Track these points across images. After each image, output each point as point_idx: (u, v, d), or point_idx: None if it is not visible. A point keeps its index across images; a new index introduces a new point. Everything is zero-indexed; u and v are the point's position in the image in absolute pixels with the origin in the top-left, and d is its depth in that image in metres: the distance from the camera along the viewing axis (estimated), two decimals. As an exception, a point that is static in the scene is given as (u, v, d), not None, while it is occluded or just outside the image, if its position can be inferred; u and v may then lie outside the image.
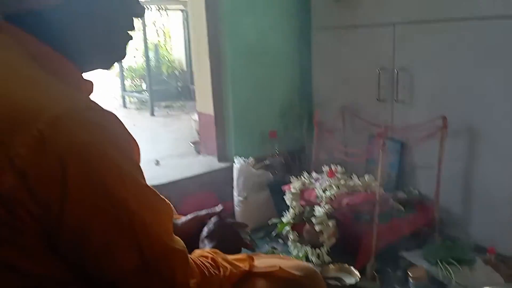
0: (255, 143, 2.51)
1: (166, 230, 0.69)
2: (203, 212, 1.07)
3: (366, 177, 1.95)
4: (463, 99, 1.84)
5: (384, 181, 2.15)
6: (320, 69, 2.54)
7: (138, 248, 0.63)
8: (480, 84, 1.77)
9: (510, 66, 1.66)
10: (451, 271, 1.55)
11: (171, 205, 0.77)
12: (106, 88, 5.58)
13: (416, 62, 1.99)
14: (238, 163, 2.29)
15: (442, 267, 1.58)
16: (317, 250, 1.91)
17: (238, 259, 0.89)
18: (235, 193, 2.29)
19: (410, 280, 1.61)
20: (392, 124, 2.12)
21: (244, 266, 0.88)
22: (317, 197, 1.92)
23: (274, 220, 2.07)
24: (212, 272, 0.78)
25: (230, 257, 0.88)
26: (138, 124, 4.20)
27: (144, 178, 0.67)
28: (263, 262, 0.97)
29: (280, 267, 0.93)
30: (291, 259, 1.23)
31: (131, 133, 0.67)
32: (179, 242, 0.72)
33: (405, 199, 2.00)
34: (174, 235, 0.71)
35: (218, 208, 1.08)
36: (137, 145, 0.71)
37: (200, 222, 1.04)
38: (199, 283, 0.73)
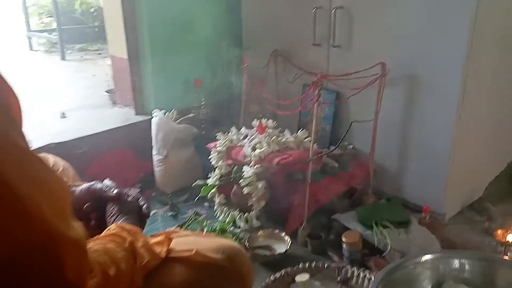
0: (178, 93, 2.20)
1: (57, 211, 0.54)
2: (98, 185, 0.92)
3: (299, 132, 1.75)
4: (404, 45, 1.66)
5: (318, 135, 1.98)
6: (251, 7, 2.23)
7: (13, 231, 0.49)
8: (422, 28, 1.59)
9: (452, 10, 1.49)
10: (386, 235, 1.44)
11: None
12: (7, 27, 4.80)
13: (355, 0, 1.76)
14: (156, 116, 1.98)
15: (377, 230, 1.46)
16: (246, 215, 1.72)
17: (157, 243, 0.81)
18: (154, 151, 2.01)
19: (344, 246, 1.48)
20: (328, 71, 1.91)
21: (161, 251, 0.81)
22: (245, 156, 1.70)
23: (199, 182, 1.84)
24: (123, 266, 0.68)
25: (150, 240, 0.80)
26: (45, 70, 3.65)
27: (27, 143, 0.54)
28: (179, 243, 0.89)
29: (196, 251, 0.84)
30: (212, 237, 1.08)
31: (7, 81, 0.55)
32: (75, 229, 0.57)
33: (340, 155, 1.85)
34: (71, 219, 0.57)
35: (114, 191, 0.91)
36: (17, 98, 0.57)
37: (95, 196, 0.91)
38: (101, 284, 0.61)
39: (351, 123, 1.71)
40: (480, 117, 1.70)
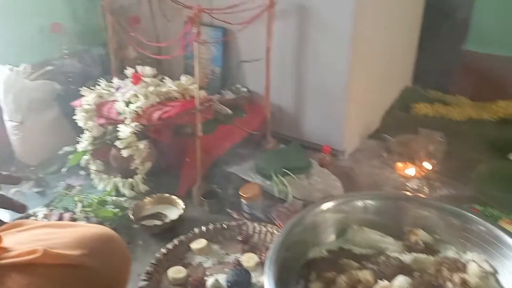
0: (31, 41, 1.77)
1: None
2: None
3: (183, 79, 1.50)
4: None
5: (208, 80, 1.76)
6: None
7: None
8: None
9: None
10: (287, 184, 1.31)
11: None
12: None
13: None
14: (1, 73, 1.57)
15: (276, 180, 1.32)
16: (130, 180, 1.48)
17: None
18: (5, 117, 1.61)
19: (243, 201, 1.33)
20: (212, 5, 1.65)
21: None
22: (119, 112, 1.42)
23: (66, 149, 1.53)
24: None
25: None
26: None
27: None
28: (21, 241, 0.72)
29: (45, 251, 0.66)
30: (74, 226, 0.85)
31: None
32: None
33: (233, 100, 1.66)
34: None
35: None
36: None
37: None
38: None
39: (240, 63, 1.50)
40: (373, 47, 1.60)
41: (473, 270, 0.99)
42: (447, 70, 2.00)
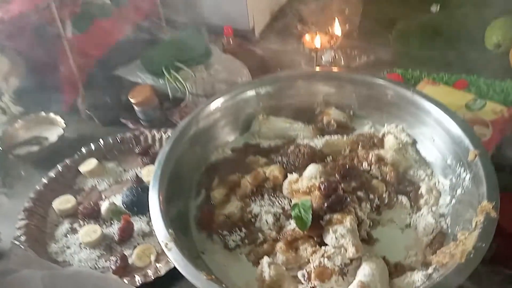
0: None
1: None
2: None
3: (27, -38, 1.14)
4: None
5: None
6: None
7: None
8: None
9: None
10: (181, 79, 1.10)
11: None
12: None
13: None
14: None
15: (169, 77, 1.11)
16: (-2, 103, 1.21)
17: None
18: None
19: (136, 108, 1.12)
20: None
21: None
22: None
23: None
24: None
25: None
26: None
27: None
28: None
29: None
30: None
31: None
32: None
33: (109, -15, 1.33)
34: None
35: None
36: None
37: None
38: None
39: None
40: None
41: (389, 143, 0.89)
42: None
